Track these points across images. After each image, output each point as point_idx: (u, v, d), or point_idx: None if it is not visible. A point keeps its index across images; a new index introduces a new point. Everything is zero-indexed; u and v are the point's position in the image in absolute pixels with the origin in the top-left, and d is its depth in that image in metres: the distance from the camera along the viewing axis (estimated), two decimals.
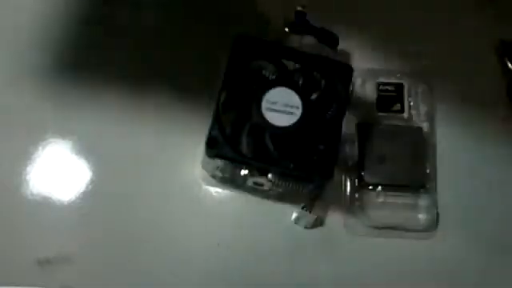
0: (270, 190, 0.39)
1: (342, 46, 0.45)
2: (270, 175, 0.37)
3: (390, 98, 0.44)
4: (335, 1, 0.47)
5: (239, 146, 0.36)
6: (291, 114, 0.36)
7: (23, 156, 0.42)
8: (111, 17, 0.45)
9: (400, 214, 0.42)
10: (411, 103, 0.44)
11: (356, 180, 0.42)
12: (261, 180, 0.38)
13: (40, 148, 0.42)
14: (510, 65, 0.46)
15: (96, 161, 0.42)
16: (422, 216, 0.42)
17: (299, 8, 0.41)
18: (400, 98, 0.44)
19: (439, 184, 0.43)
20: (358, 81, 0.44)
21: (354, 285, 0.41)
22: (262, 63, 0.38)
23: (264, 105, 0.36)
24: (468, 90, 0.46)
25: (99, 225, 0.41)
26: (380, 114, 0.44)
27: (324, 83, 0.38)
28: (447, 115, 0.45)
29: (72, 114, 0.43)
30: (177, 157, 0.43)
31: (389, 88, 0.44)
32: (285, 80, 0.37)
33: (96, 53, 0.44)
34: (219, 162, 0.38)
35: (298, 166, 0.36)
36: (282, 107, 0.36)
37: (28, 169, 0.41)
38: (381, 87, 0.44)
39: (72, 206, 0.41)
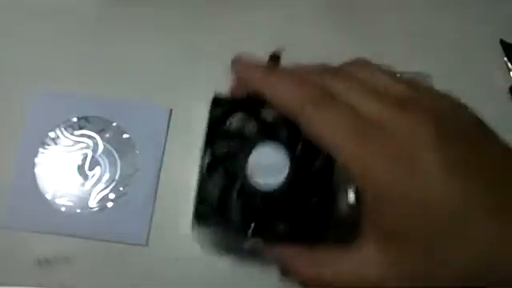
0: None
1: (342, 44, 0.45)
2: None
3: None
4: None
5: (229, 214, 0.35)
6: (278, 172, 0.34)
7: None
8: None
9: None
10: None
11: None
12: (256, 242, 0.36)
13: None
14: (510, 65, 0.46)
15: None
16: None
17: (275, 52, 0.40)
18: None
19: None
20: None
21: None
22: (242, 122, 0.37)
23: (249, 167, 0.34)
24: (468, 90, 0.46)
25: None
26: None
27: None
28: None
29: None
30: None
31: None
32: (267, 137, 0.36)
33: None
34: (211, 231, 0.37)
35: (293, 226, 0.35)
36: (267, 167, 0.34)
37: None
38: None
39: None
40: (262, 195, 0.34)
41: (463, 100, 0.45)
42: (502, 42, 0.47)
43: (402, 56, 0.46)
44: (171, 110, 0.44)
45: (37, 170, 0.42)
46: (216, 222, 0.35)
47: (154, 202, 0.42)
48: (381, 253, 0.27)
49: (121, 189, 0.42)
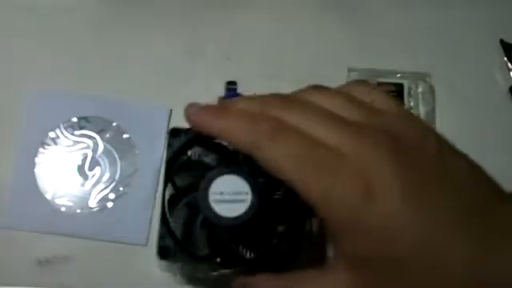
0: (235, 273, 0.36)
1: (342, 43, 0.45)
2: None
3: None
4: None
5: (194, 247, 0.35)
6: (241, 201, 0.33)
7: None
8: None
9: None
10: (411, 103, 0.44)
11: None
12: (224, 272, 0.36)
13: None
14: (510, 65, 0.46)
15: None
16: None
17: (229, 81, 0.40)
18: (401, 98, 0.44)
19: None
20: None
21: None
22: (202, 151, 0.37)
23: (211, 197, 0.33)
24: (468, 89, 0.46)
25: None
26: None
27: None
28: (447, 115, 0.45)
29: None
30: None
31: (389, 88, 0.44)
32: (228, 165, 0.35)
33: None
34: (177, 265, 0.37)
35: (261, 255, 0.35)
36: (230, 196, 0.34)
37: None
38: (382, 87, 0.44)
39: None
40: (226, 225, 0.34)
41: (463, 99, 0.45)
42: (502, 42, 0.47)
43: (402, 55, 0.46)
44: (171, 110, 0.44)
45: (37, 170, 0.42)
46: (181, 256, 0.34)
47: (154, 202, 0.41)
48: (350, 280, 0.27)
49: (121, 189, 0.42)
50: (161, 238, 0.35)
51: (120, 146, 0.43)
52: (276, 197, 0.36)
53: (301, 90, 0.30)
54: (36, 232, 0.40)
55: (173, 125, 0.43)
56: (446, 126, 0.44)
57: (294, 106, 0.28)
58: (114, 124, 0.43)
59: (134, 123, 0.43)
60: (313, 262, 0.39)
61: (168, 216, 0.35)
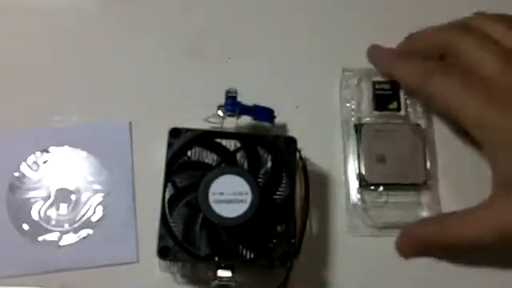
0: (236, 282, 0.37)
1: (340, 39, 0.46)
2: (232, 270, 0.35)
3: (387, 96, 0.44)
4: None
5: (194, 247, 0.35)
6: (241, 201, 0.34)
7: None
8: None
9: (403, 212, 0.42)
10: (407, 101, 0.44)
11: (357, 180, 0.42)
12: (225, 274, 0.36)
13: None
14: None
15: None
16: (424, 214, 0.42)
17: (229, 90, 0.40)
18: (396, 97, 0.44)
19: (440, 181, 0.43)
20: (353, 80, 0.45)
21: (357, 285, 0.41)
22: (202, 151, 0.37)
23: (211, 198, 0.34)
24: None
25: None
26: (377, 112, 0.44)
27: (269, 159, 0.37)
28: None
29: None
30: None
31: (385, 87, 0.44)
32: (228, 166, 0.36)
33: None
34: (177, 265, 0.37)
35: (260, 254, 0.35)
36: (230, 196, 0.34)
37: None
38: (377, 86, 0.44)
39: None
40: (226, 225, 0.34)
41: None
42: None
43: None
44: (130, 122, 0.43)
45: (9, 213, 0.40)
46: (181, 256, 0.35)
47: (135, 218, 0.40)
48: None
49: (98, 213, 0.41)
50: (161, 237, 0.35)
51: (90, 171, 0.42)
52: (276, 197, 0.36)
53: (471, 18, 0.39)
54: (24, 275, 0.39)
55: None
56: (443, 122, 0.44)
57: (469, 34, 0.37)
58: (79, 150, 0.42)
59: (97, 145, 0.42)
60: (313, 262, 0.40)
61: (168, 216, 0.35)
